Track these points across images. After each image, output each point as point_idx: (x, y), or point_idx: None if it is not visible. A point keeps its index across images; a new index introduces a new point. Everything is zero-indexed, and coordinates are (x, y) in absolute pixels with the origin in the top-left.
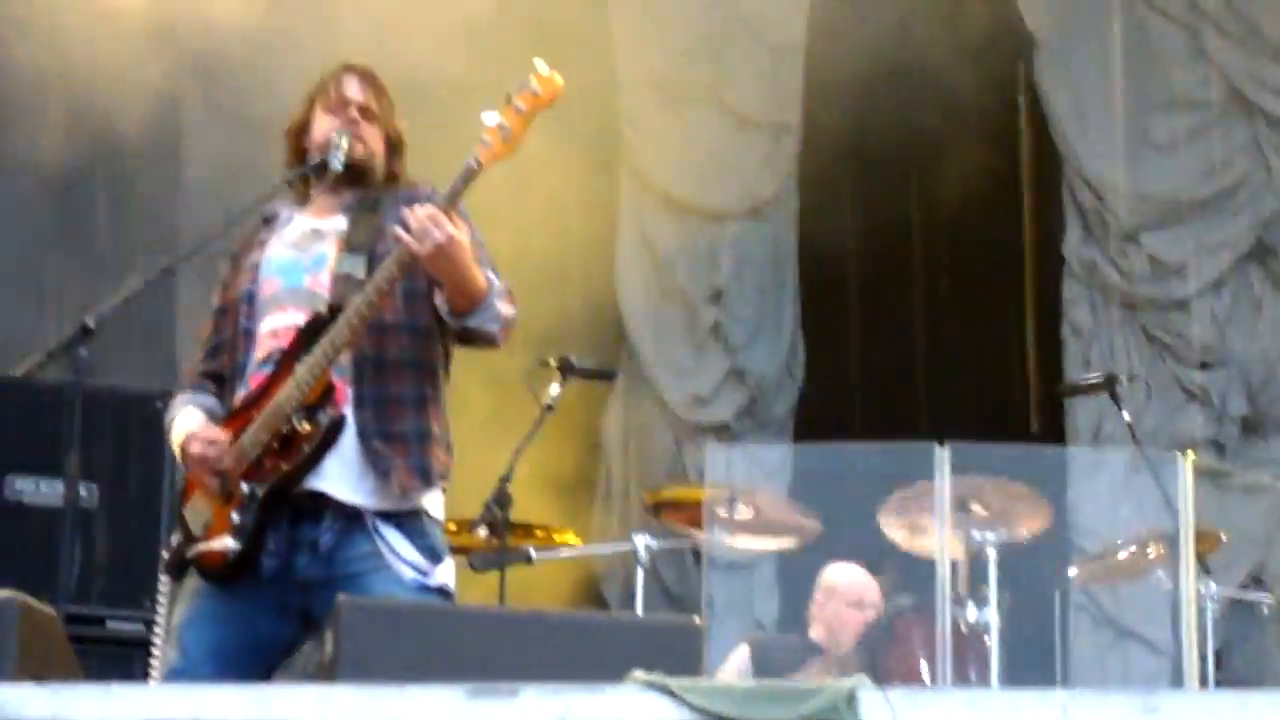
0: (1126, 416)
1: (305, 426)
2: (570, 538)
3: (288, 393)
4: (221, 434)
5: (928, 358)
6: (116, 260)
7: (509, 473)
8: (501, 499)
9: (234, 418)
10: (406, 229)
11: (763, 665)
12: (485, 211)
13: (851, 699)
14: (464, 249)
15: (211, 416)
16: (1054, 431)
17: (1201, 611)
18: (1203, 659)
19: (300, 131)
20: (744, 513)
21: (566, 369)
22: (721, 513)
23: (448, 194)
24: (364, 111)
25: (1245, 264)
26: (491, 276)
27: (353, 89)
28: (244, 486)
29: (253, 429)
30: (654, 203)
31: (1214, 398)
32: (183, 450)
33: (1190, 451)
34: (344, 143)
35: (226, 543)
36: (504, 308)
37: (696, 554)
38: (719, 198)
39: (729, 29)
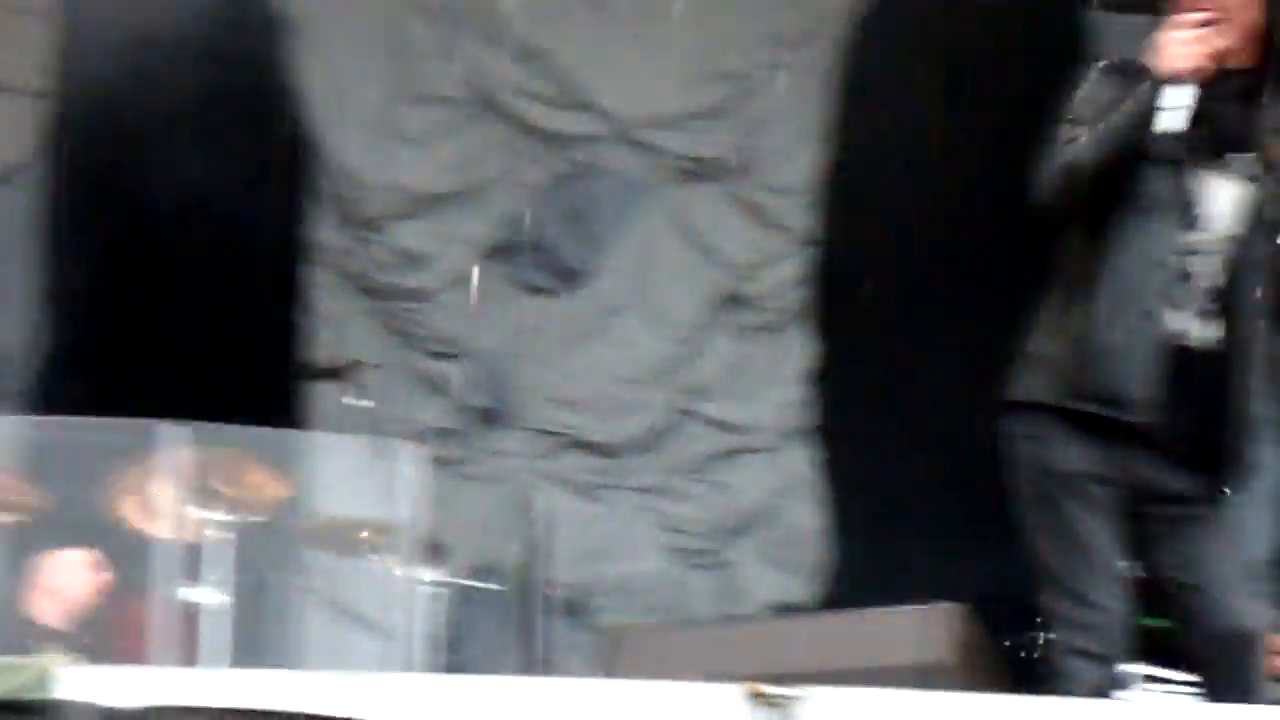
0: (364, 402)
1: None
2: None
3: None
4: None
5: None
6: None
7: None
8: None
9: None
10: None
11: None
12: None
13: (50, 675)
14: None
15: None
16: (296, 416)
17: (428, 598)
18: (433, 644)
19: None
20: None
21: None
22: None
23: None
24: None
25: (489, 260)
26: None
27: None
28: None
29: None
30: None
31: (453, 388)
32: None
33: (423, 440)
34: None
35: None
36: None
37: None
38: None
39: None
